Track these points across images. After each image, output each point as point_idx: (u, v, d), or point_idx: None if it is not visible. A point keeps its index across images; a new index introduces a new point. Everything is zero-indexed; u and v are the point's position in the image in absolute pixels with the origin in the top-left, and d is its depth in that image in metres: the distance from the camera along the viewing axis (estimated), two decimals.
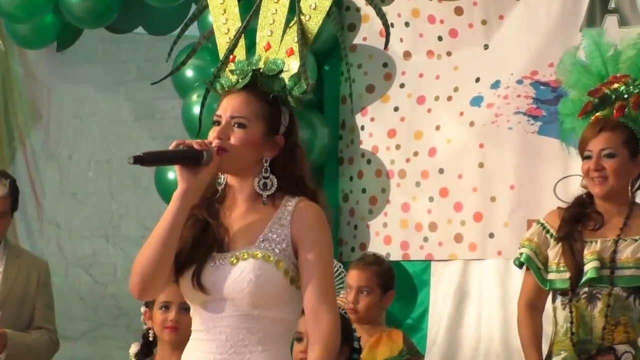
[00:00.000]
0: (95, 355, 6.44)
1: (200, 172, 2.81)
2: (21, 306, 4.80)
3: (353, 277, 4.61)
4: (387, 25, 3.25)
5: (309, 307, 2.84)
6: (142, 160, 2.78)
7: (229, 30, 3.09)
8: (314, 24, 3.03)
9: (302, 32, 3.01)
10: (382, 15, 3.21)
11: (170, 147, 2.82)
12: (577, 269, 3.80)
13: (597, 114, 3.93)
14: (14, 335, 4.66)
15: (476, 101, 5.07)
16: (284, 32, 3.01)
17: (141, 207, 6.30)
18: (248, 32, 3.07)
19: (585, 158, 3.86)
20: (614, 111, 3.90)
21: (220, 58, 3.06)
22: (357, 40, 5.40)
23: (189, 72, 5.24)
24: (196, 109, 5.08)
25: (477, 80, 5.08)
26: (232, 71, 2.97)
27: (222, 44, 3.09)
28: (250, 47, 3.04)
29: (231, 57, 3.04)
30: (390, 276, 4.70)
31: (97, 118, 6.57)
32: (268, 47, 3.02)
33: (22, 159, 6.62)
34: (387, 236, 5.24)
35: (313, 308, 2.84)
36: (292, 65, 2.97)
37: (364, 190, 5.33)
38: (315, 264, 2.84)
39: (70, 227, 6.60)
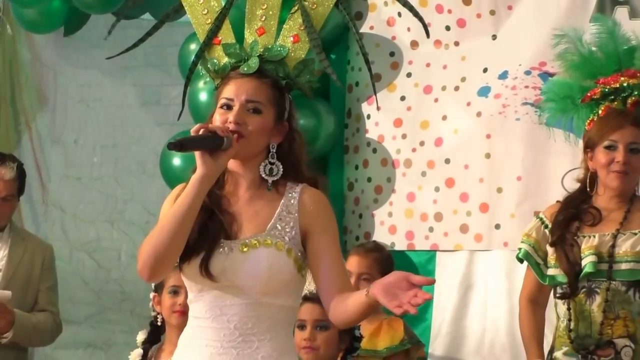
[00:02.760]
0: (99, 339, 6.46)
1: (219, 158, 2.82)
2: (25, 288, 4.83)
3: (354, 263, 4.60)
4: (422, 21, 3.28)
5: (337, 286, 2.83)
6: (181, 145, 2.80)
7: (207, 11, 3.08)
8: (321, 12, 3.03)
9: (308, 18, 3.01)
10: (415, 13, 3.24)
11: (192, 131, 2.83)
12: (573, 271, 3.79)
13: (607, 104, 3.90)
14: (21, 315, 4.71)
15: (483, 91, 5.05)
16: (287, 18, 3.01)
17: (146, 192, 6.30)
18: (237, 16, 3.05)
19: (607, 148, 3.81)
20: (629, 105, 3.87)
21: (201, 39, 3.06)
22: (364, 29, 5.38)
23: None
24: (202, 96, 5.08)
25: (485, 70, 5.07)
26: (229, 55, 2.97)
27: (201, 24, 3.08)
28: (239, 32, 3.03)
29: (216, 39, 3.04)
30: (390, 264, 4.71)
31: (103, 103, 6.57)
32: (262, 31, 3.02)
33: (28, 143, 6.63)
34: (392, 226, 5.23)
35: (341, 288, 2.82)
36: (298, 52, 2.98)
37: (369, 179, 5.32)
38: (333, 248, 2.86)
39: (75, 211, 6.60)
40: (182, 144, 2.79)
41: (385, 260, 4.69)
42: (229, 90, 2.90)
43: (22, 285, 4.83)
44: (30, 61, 6.61)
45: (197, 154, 2.82)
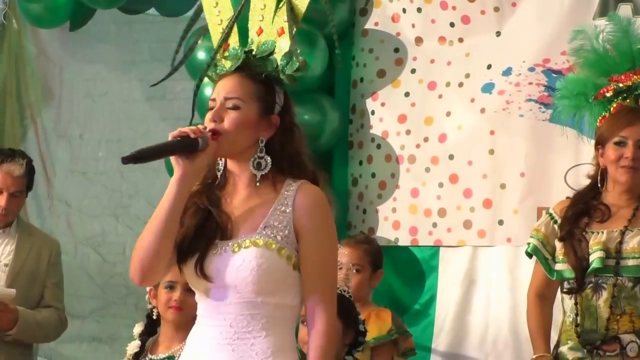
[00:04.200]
0: (103, 333, 6.47)
1: (196, 158, 2.80)
2: (31, 284, 4.84)
3: (344, 255, 4.61)
4: None
5: (308, 303, 2.86)
6: (136, 158, 2.73)
7: (222, 20, 3.10)
8: (302, 2, 3.05)
9: (292, 10, 3.02)
10: None
11: (170, 137, 2.81)
12: (580, 266, 3.80)
13: (619, 101, 3.92)
14: (25, 312, 4.71)
15: (487, 88, 5.07)
16: (275, 14, 3.02)
17: (151, 187, 6.31)
18: (241, 19, 3.08)
19: (616, 144, 3.83)
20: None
21: (215, 47, 3.08)
22: (369, 25, 5.39)
23: (201, 54, 5.24)
24: (207, 91, 5.09)
25: (489, 67, 5.08)
26: (226, 57, 2.98)
27: (217, 34, 3.10)
28: (244, 35, 3.05)
29: (225, 45, 3.05)
30: (379, 255, 4.73)
31: (109, 98, 6.58)
32: (260, 31, 3.03)
33: (34, 138, 6.63)
34: (396, 221, 5.24)
35: (311, 306, 2.86)
36: (283, 44, 2.99)
37: (373, 175, 5.33)
38: (316, 257, 2.85)
39: (80, 206, 6.61)
40: (136, 157, 2.73)
41: (375, 252, 4.73)
42: (214, 91, 2.92)
43: (28, 281, 4.84)
44: (36, 56, 6.61)
45: (172, 158, 2.80)
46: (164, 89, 6.35)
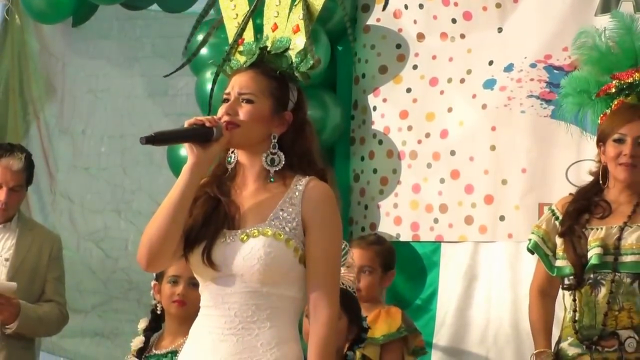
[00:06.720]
0: (105, 328, 6.48)
1: (210, 147, 2.85)
2: (33, 278, 4.85)
3: (355, 256, 4.62)
4: None
5: (311, 295, 2.88)
6: (154, 139, 2.83)
7: (237, 15, 3.12)
8: (318, 0, 3.06)
9: (307, 8, 3.04)
10: None
11: (185, 125, 2.86)
12: (579, 263, 3.81)
13: (621, 98, 3.92)
14: (27, 306, 4.72)
15: (489, 84, 5.07)
16: (290, 11, 3.04)
17: (153, 183, 6.32)
18: (256, 15, 3.10)
19: (615, 141, 3.84)
20: None
21: (230, 42, 3.11)
22: (371, 21, 5.40)
23: (203, 50, 5.23)
24: (209, 87, 5.10)
25: (491, 63, 5.08)
26: (240, 52, 3.01)
27: (232, 28, 3.13)
28: (259, 30, 3.07)
29: (240, 40, 3.08)
30: (391, 256, 4.73)
31: (111, 93, 6.59)
32: (275, 27, 3.05)
33: (36, 133, 6.65)
34: (397, 217, 5.25)
35: (314, 299, 2.88)
36: (298, 42, 3.01)
37: (375, 171, 5.34)
38: (321, 250, 2.88)
39: (82, 201, 6.62)
40: (154, 138, 2.82)
41: (386, 252, 4.72)
42: (229, 85, 2.96)
43: (29, 276, 4.84)
44: (39, 51, 6.62)
45: (186, 145, 2.86)
46: (166, 85, 6.36)
